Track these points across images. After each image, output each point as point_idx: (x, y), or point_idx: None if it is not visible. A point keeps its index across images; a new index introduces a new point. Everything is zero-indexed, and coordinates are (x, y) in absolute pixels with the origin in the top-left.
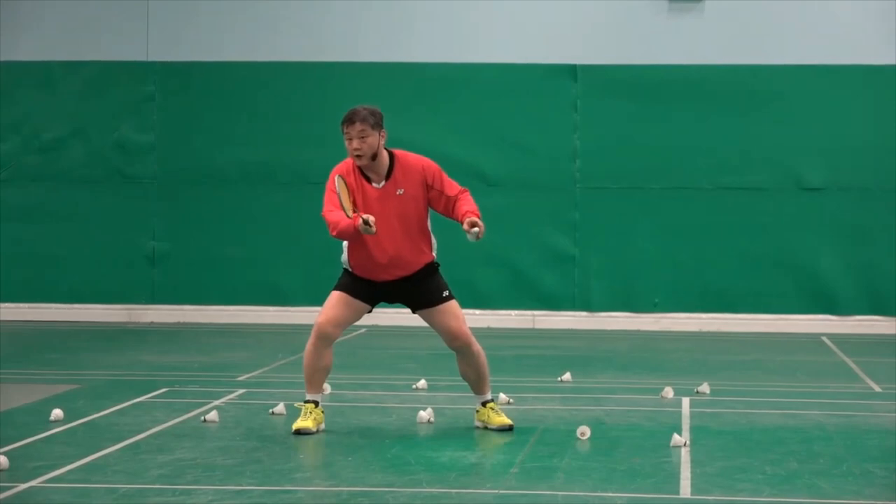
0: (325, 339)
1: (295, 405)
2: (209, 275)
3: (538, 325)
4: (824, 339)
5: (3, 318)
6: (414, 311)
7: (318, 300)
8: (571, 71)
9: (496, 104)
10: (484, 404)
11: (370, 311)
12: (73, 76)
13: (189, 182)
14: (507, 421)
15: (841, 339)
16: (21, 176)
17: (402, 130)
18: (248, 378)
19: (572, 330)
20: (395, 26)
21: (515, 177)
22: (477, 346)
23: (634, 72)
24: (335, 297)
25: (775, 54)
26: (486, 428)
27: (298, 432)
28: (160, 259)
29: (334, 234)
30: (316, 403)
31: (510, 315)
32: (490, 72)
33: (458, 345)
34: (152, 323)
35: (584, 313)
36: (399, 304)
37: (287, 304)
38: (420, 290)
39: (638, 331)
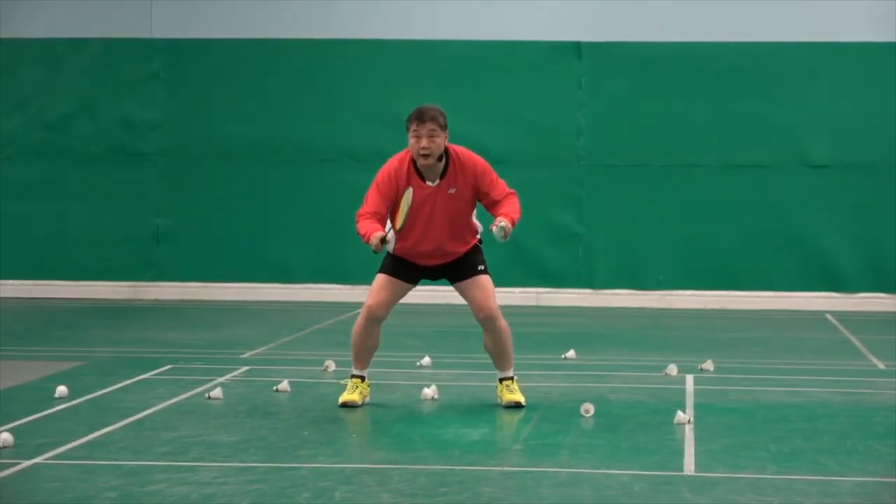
0: (374, 320)
1: (340, 382)
2: (214, 252)
3: (542, 303)
4: (828, 316)
5: (7, 295)
6: (451, 284)
7: (323, 278)
8: (576, 48)
9: (501, 81)
10: (501, 381)
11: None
12: (78, 53)
13: (194, 159)
14: (515, 398)
15: (845, 317)
16: (26, 153)
17: (409, 108)
18: (252, 355)
19: (576, 307)
20: (403, 4)
21: (520, 154)
22: (502, 323)
23: (639, 49)
24: (380, 280)
25: (780, 32)
26: (500, 405)
27: (345, 405)
28: (165, 236)
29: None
30: (362, 378)
31: (514, 292)
32: (495, 49)
33: (482, 317)
34: (157, 300)
35: (588, 290)
36: (440, 282)
37: (292, 281)
38: (458, 265)
39: (642, 308)
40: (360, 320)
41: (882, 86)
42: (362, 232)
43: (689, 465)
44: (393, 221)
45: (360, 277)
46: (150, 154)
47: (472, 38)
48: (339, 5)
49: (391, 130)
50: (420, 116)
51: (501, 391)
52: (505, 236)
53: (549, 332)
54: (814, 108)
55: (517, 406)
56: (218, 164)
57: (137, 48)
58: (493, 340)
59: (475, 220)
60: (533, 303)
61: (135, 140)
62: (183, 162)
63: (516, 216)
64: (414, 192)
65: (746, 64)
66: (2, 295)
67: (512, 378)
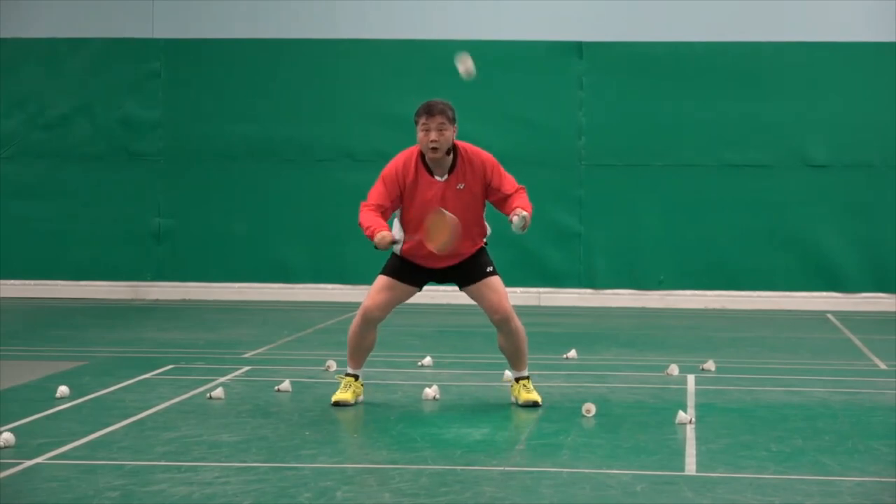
0: (370, 322)
1: (335, 378)
2: (214, 252)
3: (543, 303)
4: (829, 316)
5: (8, 294)
6: (461, 289)
7: (323, 277)
8: (577, 48)
9: (502, 81)
10: (518, 380)
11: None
12: (78, 53)
13: (194, 159)
14: (532, 397)
15: (846, 316)
16: (26, 152)
17: (409, 107)
18: (253, 355)
19: (577, 307)
20: (403, 4)
21: (521, 153)
22: (517, 323)
23: (640, 49)
24: (381, 281)
25: (780, 32)
26: (516, 404)
27: (337, 404)
28: (165, 236)
29: (361, 227)
30: (356, 377)
31: (515, 292)
32: (496, 49)
33: (497, 318)
34: (157, 300)
35: (588, 290)
36: (447, 284)
37: (292, 281)
38: (466, 268)
39: (643, 308)
40: (355, 321)
41: (882, 86)
42: (365, 224)
43: (690, 466)
44: (403, 224)
45: (360, 277)
46: (150, 154)
47: (472, 38)
48: (340, 5)
49: (391, 130)
50: (429, 110)
51: (518, 391)
52: (524, 227)
53: (550, 331)
54: (814, 108)
55: (535, 405)
56: (218, 164)
57: (137, 48)
58: (509, 341)
59: (485, 222)
60: (534, 303)
61: (135, 140)
62: (183, 162)
63: (530, 210)
64: (422, 187)
65: (746, 64)
66: (2, 295)
67: (528, 377)
